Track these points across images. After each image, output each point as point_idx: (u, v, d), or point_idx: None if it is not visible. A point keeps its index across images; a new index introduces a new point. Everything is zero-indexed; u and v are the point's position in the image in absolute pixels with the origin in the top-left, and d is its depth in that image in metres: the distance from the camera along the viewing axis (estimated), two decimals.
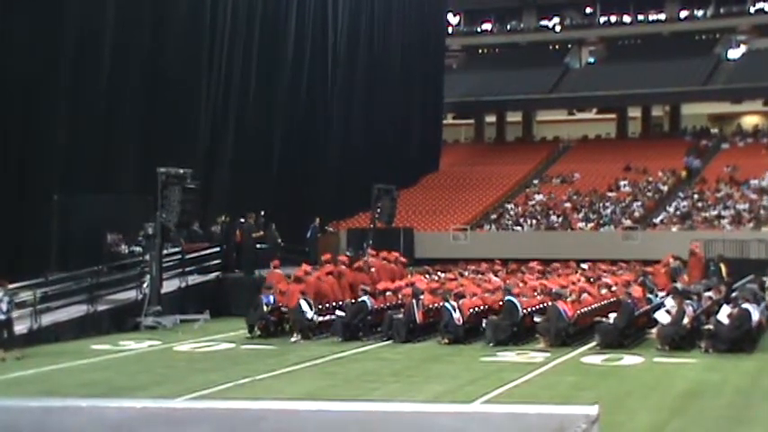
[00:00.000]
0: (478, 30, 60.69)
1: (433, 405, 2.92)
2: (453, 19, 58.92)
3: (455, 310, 19.01)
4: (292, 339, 19.78)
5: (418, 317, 19.38)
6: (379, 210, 31.36)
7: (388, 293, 21.43)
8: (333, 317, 20.22)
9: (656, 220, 40.30)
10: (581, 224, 40.71)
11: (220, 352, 18.68)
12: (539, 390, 14.20)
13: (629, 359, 16.78)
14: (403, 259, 26.92)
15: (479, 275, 25.24)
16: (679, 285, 21.78)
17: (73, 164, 26.58)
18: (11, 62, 25.12)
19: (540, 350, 17.91)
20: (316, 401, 2.93)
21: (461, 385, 14.50)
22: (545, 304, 19.41)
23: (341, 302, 21.13)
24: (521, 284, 21.99)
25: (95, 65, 27.52)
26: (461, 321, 19.03)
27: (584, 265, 28.10)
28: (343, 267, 23.49)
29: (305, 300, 20.04)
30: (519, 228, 41.53)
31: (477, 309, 19.75)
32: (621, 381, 14.95)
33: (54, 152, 26.21)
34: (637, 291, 19.92)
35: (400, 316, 19.71)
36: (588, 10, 58.90)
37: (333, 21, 39.70)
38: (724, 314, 17.60)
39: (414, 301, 19.61)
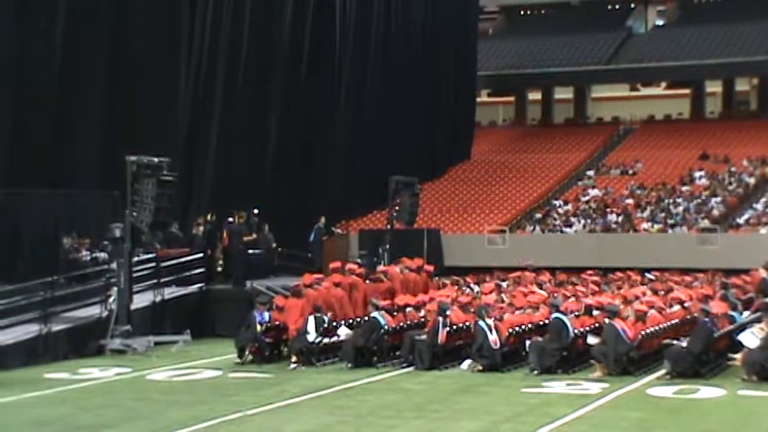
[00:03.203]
0: None
1: None
2: None
3: (491, 331, 19.01)
4: (291, 366, 19.82)
5: (441, 338, 19.38)
6: (397, 207, 31.34)
7: (408, 309, 21.44)
8: (341, 338, 20.22)
9: (741, 221, 40.11)
10: (646, 225, 40.56)
11: (204, 381, 18.72)
12: (594, 428, 14.18)
13: (706, 391, 16.71)
14: (429, 268, 26.90)
15: (520, 287, 25.17)
16: None
17: (19, 154, 26.68)
18: None
19: (595, 379, 17.89)
20: None
21: (498, 422, 14.48)
22: (600, 323, 19.35)
23: (351, 320, 21.14)
24: (571, 299, 21.94)
25: (45, 32, 27.57)
26: (498, 344, 19.01)
27: (651, 276, 28.03)
28: (355, 277, 23.50)
29: (315, 318, 20.06)
30: (569, 229, 41.42)
31: (517, 328, 19.72)
32: (697, 418, 14.88)
33: None
34: (716, 307, 19.83)
35: (423, 337, 19.71)
36: None
37: None
38: None
39: (439, 318, 19.62)
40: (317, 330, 19.96)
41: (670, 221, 40.51)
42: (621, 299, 21.25)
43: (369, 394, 17.01)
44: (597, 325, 19.51)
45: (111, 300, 22.78)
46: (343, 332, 20.32)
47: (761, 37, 50.45)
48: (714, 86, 55.26)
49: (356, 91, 40.77)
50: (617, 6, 59.18)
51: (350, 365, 19.54)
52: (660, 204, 42.24)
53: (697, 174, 44.94)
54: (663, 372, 18.19)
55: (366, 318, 20.83)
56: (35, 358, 20.70)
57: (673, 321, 20.23)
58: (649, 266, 30.45)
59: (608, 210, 42.27)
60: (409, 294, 23.08)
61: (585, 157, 49.39)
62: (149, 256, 25.67)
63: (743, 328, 19.27)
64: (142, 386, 18.27)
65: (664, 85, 57.78)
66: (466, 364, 19.43)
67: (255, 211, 30.17)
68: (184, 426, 14.29)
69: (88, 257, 24.95)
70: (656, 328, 19.40)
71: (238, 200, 30.05)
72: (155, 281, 24.88)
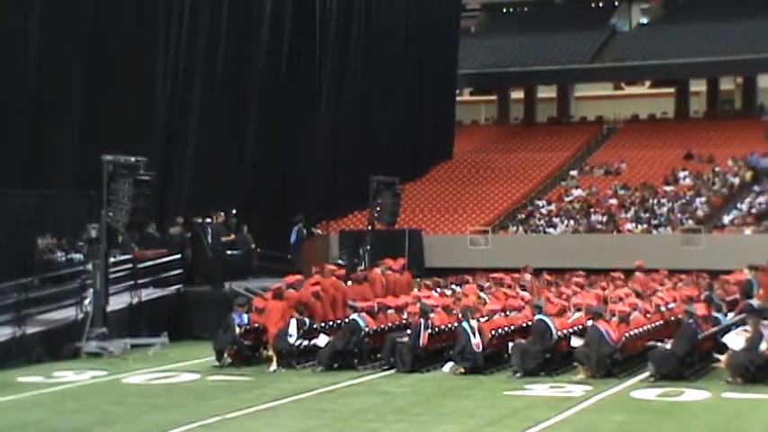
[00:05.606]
0: None
1: None
2: None
3: (474, 333, 19.05)
4: (271, 368, 19.83)
5: (423, 340, 19.43)
6: (378, 208, 31.36)
7: (389, 311, 21.46)
8: (319, 346, 20.21)
9: (725, 221, 40.33)
10: (630, 225, 40.73)
11: (182, 384, 18.71)
12: None
13: (690, 394, 16.80)
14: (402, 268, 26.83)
15: (502, 288, 25.22)
16: (755, 302, 21.79)
17: None
18: None
19: (578, 382, 17.97)
20: None
21: (480, 426, 14.56)
22: (583, 325, 19.43)
23: (329, 323, 21.14)
24: (555, 300, 22.02)
25: (20, 30, 27.41)
26: (481, 346, 19.07)
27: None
28: (334, 279, 23.48)
29: (296, 319, 20.05)
30: (552, 230, 41.55)
31: (500, 330, 19.78)
32: (682, 421, 14.99)
33: None
34: (700, 308, 19.94)
35: (405, 339, 19.75)
36: None
37: None
38: None
39: (421, 321, 19.66)
40: (297, 332, 19.97)
41: (654, 222, 40.69)
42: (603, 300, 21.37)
43: (350, 397, 17.04)
44: (581, 327, 19.59)
45: (86, 301, 22.69)
46: (323, 341, 20.29)
47: (745, 35, 50.65)
48: (698, 85, 55.46)
49: (337, 89, 40.75)
50: (601, 4, 59.29)
51: (321, 369, 19.53)
52: (644, 205, 42.40)
53: (681, 174, 45.13)
54: (647, 374, 18.28)
55: (346, 320, 20.83)
56: (9, 361, 20.61)
57: (657, 323, 20.30)
58: (633, 268, 30.55)
59: (592, 210, 42.41)
60: (391, 296, 23.09)
61: (569, 156, 49.51)
62: (126, 257, 25.60)
63: (727, 329, 19.39)
64: (118, 390, 18.24)
65: (648, 83, 57.93)
66: (448, 366, 19.48)
67: (234, 211, 30.13)
68: (162, 430, 14.29)
69: (63, 258, 24.83)
70: (640, 329, 19.48)
71: (217, 200, 29.99)
72: (131, 282, 24.82)
